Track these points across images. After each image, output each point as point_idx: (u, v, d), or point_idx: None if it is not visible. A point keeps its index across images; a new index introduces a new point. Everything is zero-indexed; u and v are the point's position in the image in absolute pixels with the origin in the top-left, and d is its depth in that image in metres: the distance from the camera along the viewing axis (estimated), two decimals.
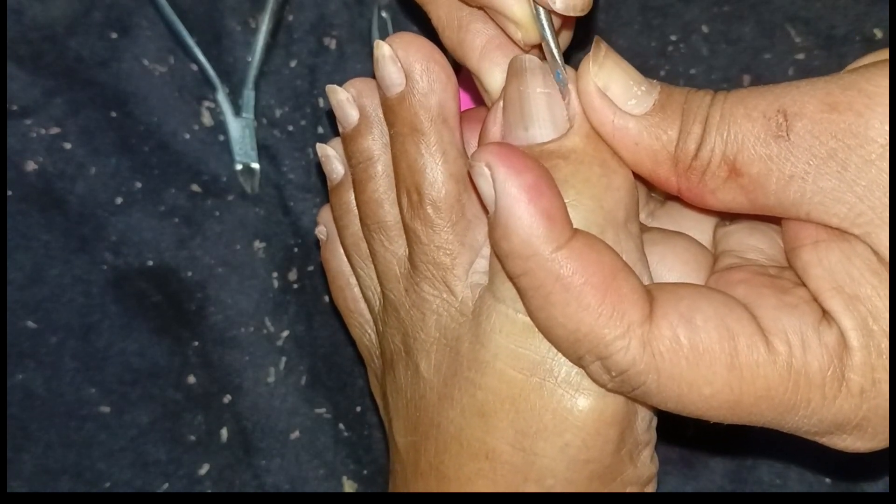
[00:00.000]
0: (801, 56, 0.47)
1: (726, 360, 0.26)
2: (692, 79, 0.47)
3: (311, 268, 0.47)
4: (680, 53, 0.47)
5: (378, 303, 0.35)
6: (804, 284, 0.28)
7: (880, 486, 0.45)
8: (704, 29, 0.47)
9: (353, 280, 0.37)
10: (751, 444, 0.45)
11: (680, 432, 0.45)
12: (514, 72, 0.31)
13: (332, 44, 0.48)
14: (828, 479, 0.45)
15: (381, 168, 0.34)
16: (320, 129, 0.47)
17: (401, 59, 0.31)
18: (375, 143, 0.34)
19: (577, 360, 0.28)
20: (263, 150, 0.47)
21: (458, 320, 0.31)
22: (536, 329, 0.29)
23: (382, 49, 0.32)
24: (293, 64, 0.48)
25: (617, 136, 0.29)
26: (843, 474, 0.45)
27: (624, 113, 0.28)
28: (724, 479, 0.45)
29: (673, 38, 0.47)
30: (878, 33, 0.47)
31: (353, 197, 0.35)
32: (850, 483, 0.45)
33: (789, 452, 0.45)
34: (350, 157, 0.35)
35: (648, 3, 0.47)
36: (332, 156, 0.36)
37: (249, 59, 0.47)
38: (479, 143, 0.32)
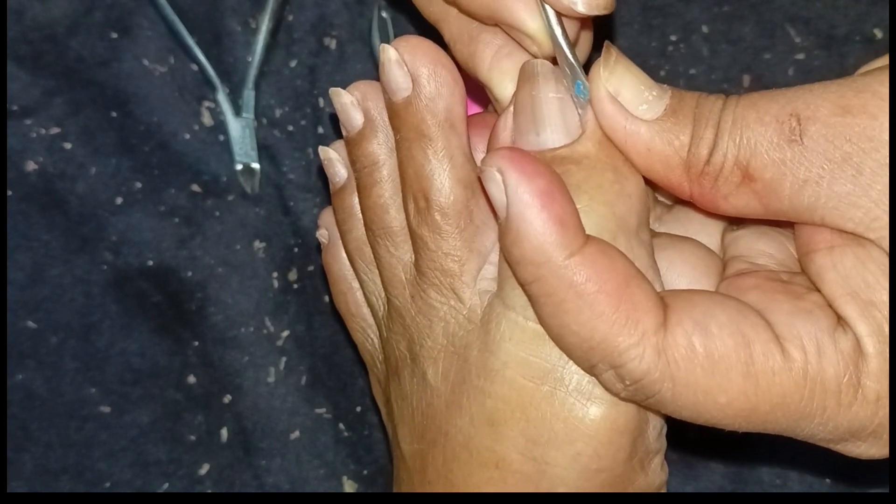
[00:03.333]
0: (801, 56, 0.47)
1: (742, 367, 0.26)
2: (692, 79, 0.47)
3: (311, 268, 0.47)
4: (680, 53, 0.47)
5: (382, 308, 0.35)
6: (817, 290, 0.27)
7: (880, 485, 0.45)
8: (704, 29, 0.47)
9: (355, 284, 0.37)
10: (751, 444, 0.45)
11: (681, 434, 0.45)
12: (525, 76, 0.30)
13: (332, 44, 0.48)
14: (828, 480, 0.45)
15: (387, 173, 0.33)
16: (320, 130, 0.47)
17: (407, 63, 0.31)
18: (381, 148, 0.33)
19: (590, 369, 0.28)
20: (263, 150, 0.47)
21: (467, 328, 0.31)
22: (547, 337, 0.29)
23: (389, 53, 0.31)
24: (293, 64, 0.48)
25: (629, 141, 0.28)
26: (843, 475, 0.45)
27: (635, 118, 0.28)
28: (725, 480, 0.45)
29: (673, 38, 0.47)
30: (878, 33, 0.47)
31: (356, 201, 0.35)
32: (850, 483, 0.45)
33: (789, 452, 0.45)
34: (354, 162, 0.34)
35: (648, 3, 0.47)
36: (334, 159, 0.35)
37: (249, 59, 0.47)
38: (489, 149, 0.32)
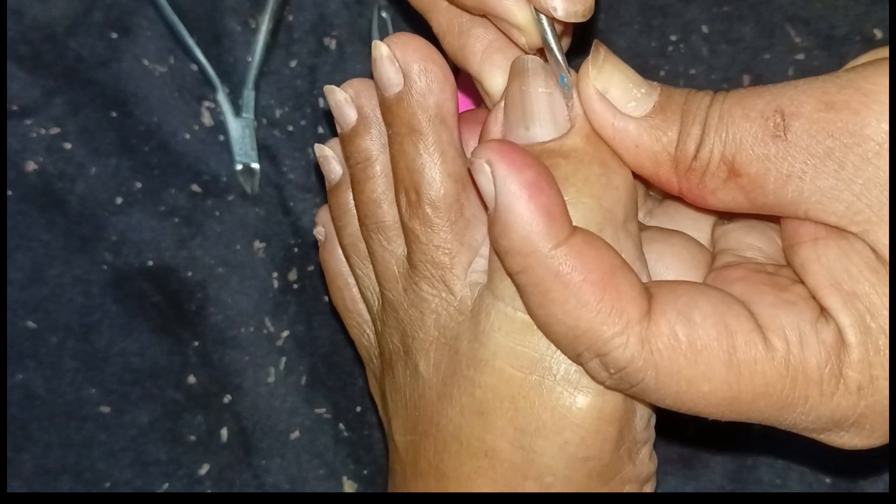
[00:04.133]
0: (801, 56, 0.47)
1: (724, 356, 0.26)
2: (692, 79, 0.47)
3: (311, 268, 0.47)
4: (680, 53, 0.47)
5: (377, 303, 0.35)
6: (802, 282, 0.28)
7: (880, 485, 0.45)
8: (704, 29, 0.47)
9: (351, 280, 0.37)
10: (751, 444, 0.45)
11: (680, 432, 0.45)
12: (516, 72, 0.31)
13: (332, 44, 0.48)
14: (828, 479, 0.45)
15: (380, 168, 0.34)
16: (320, 129, 0.48)
17: (398, 59, 0.31)
18: (374, 144, 0.34)
19: (576, 358, 0.28)
20: (263, 150, 0.47)
21: (457, 319, 0.31)
22: (535, 327, 0.29)
23: (380, 49, 0.32)
24: (293, 64, 0.48)
25: (617, 138, 0.29)
26: (843, 474, 0.45)
27: (624, 115, 0.28)
28: (724, 479, 0.45)
29: (673, 38, 0.47)
30: (878, 33, 0.47)
31: (351, 197, 0.35)
32: (850, 483, 0.45)
33: (789, 452, 0.45)
34: (348, 158, 0.35)
35: (648, 3, 0.47)
36: (330, 156, 0.36)
37: (249, 59, 0.47)
38: (480, 143, 0.32)
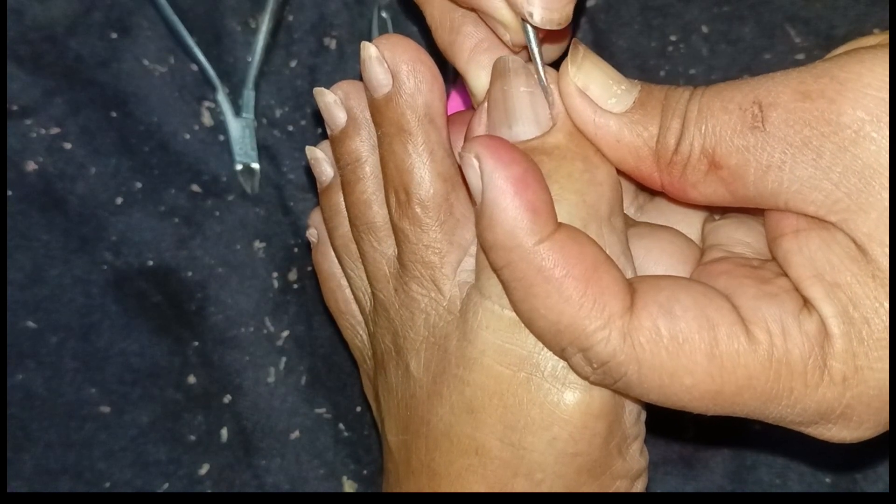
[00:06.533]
0: (801, 56, 0.47)
1: (706, 349, 0.27)
2: (692, 79, 0.47)
3: (310, 268, 0.47)
4: (680, 53, 0.47)
5: (368, 304, 0.35)
6: (785, 274, 0.28)
7: (880, 486, 0.45)
8: (704, 29, 0.47)
9: (343, 282, 0.37)
10: (751, 443, 0.45)
11: (680, 432, 0.45)
12: (498, 72, 0.31)
13: (332, 44, 0.48)
14: (828, 479, 0.45)
15: (370, 169, 0.34)
16: (320, 130, 0.48)
17: (387, 60, 0.32)
18: (363, 145, 0.34)
19: (560, 353, 0.29)
20: (263, 150, 0.47)
21: (446, 318, 0.32)
22: (522, 324, 0.29)
23: (369, 50, 0.32)
24: (293, 64, 0.48)
25: (599, 134, 0.29)
26: (843, 474, 0.45)
27: (605, 111, 0.29)
28: (724, 479, 0.45)
29: (673, 38, 0.47)
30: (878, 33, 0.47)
31: (342, 199, 0.35)
32: (850, 483, 0.45)
33: (789, 452, 0.45)
34: (338, 159, 0.35)
35: (648, 3, 0.47)
36: (321, 158, 0.36)
37: (249, 59, 0.47)
38: (465, 143, 0.33)
